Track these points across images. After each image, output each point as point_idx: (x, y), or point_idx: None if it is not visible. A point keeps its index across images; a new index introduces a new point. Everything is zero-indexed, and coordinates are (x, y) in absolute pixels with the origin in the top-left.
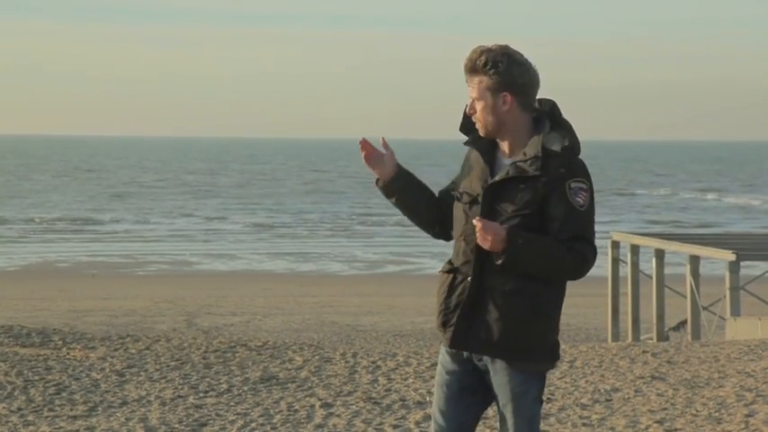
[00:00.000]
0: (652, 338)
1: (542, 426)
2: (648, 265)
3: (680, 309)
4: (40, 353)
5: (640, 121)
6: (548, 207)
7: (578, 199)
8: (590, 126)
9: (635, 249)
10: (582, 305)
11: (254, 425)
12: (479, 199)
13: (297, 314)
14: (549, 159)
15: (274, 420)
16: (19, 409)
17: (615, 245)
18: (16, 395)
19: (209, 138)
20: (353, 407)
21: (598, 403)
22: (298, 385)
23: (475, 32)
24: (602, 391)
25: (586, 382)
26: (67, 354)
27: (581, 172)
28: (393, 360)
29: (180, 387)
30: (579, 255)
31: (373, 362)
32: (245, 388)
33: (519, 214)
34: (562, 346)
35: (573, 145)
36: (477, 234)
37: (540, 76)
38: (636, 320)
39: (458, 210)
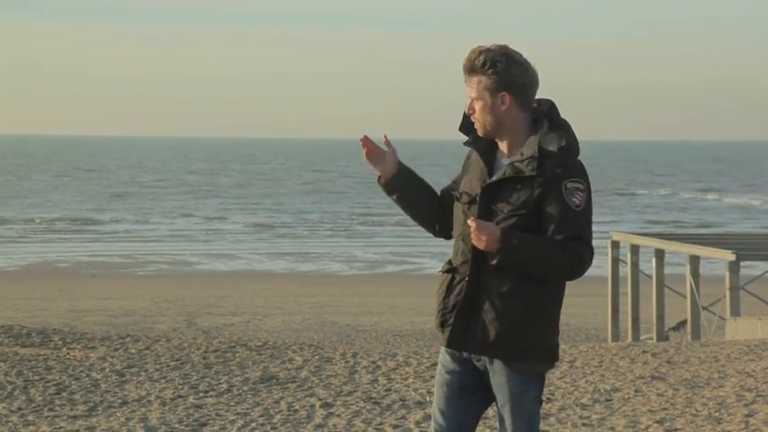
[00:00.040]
0: (652, 338)
1: (542, 426)
2: (648, 265)
3: (680, 309)
4: (40, 353)
5: (640, 121)
6: (544, 207)
7: (574, 199)
8: (590, 126)
9: (635, 249)
10: (582, 305)
11: (254, 425)
12: (478, 199)
13: (297, 314)
14: (545, 159)
15: (274, 420)
16: (19, 409)
17: (615, 245)
18: (16, 395)
19: (209, 138)
20: (353, 407)
21: (598, 403)
22: (298, 385)
23: (475, 32)
24: (602, 391)
25: (586, 382)
26: (67, 354)
27: (578, 172)
28: (393, 360)
29: (180, 387)
30: (575, 255)
31: (373, 362)
32: (246, 388)
33: (515, 214)
34: (562, 346)
35: (570, 145)
36: (472, 234)
37: (539, 76)
38: (636, 320)
39: (457, 210)
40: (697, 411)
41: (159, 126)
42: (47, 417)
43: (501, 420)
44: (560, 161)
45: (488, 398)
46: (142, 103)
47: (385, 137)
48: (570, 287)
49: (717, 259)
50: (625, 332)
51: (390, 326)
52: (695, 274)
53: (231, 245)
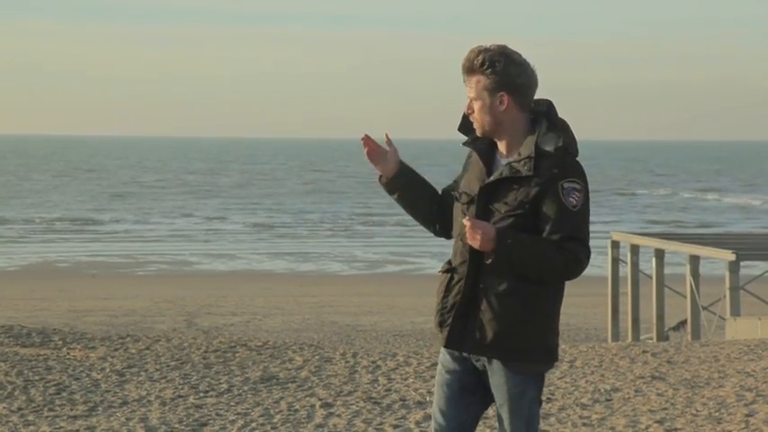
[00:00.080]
0: (652, 338)
1: (542, 425)
2: (648, 265)
3: (680, 309)
4: (40, 353)
5: (640, 121)
6: (541, 207)
7: (571, 199)
8: (590, 126)
9: (635, 249)
10: (582, 305)
11: (254, 425)
12: (476, 199)
13: (297, 314)
14: (542, 159)
15: (275, 420)
16: (19, 409)
17: (615, 245)
18: (16, 395)
19: (209, 138)
20: (354, 407)
21: (598, 403)
22: (298, 385)
23: (475, 32)
24: (603, 390)
25: (586, 381)
26: (68, 354)
27: (575, 172)
28: (393, 360)
29: (180, 387)
30: (571, 255)
31: (373, 362)
32: (246, 388)
33: (512, 214)
34: (562, 346)
35: (567, 145)
36: (467, 233)
37: (538, 77)
38: (636, 320)
39: (457, 209)
40: (697, 411)
41: (159, 126)
42: (47, 417)
43: (500, 421)
44: (557, 161)
45: (488, 398)
46: (142, 103)
47: (386, 136)
48: (570, 287)
49: (717, 259)
50: (625, 332)
51: (390, 326)
52: (695, 274)
53: (231, 245)
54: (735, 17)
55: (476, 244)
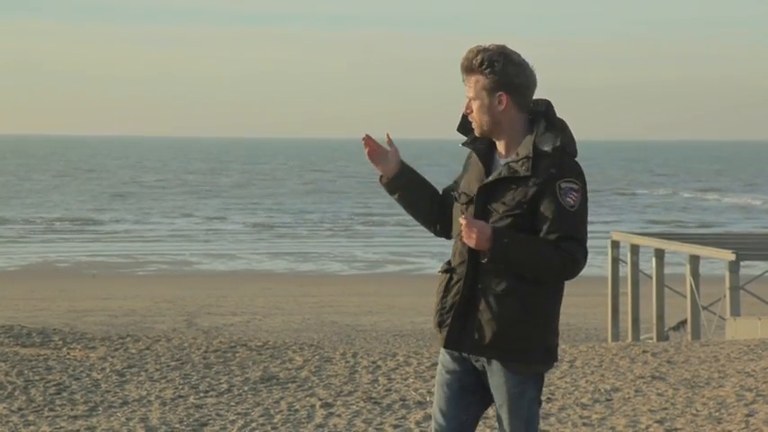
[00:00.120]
0: (652, 338)
1: (543, 425)
2: (648, 265)
3: (680, 309)
4: (40, 353)
5: (640, 120)
6: (538, 207)
7: (568, 199)
8: (590, 126)
9: (635, 249)
10: (582, 305)
11: (254, 425)
12: (475, 199)
13: (297, 314)
14: (539, 159)
15: (275, 420)
16: (19, 409)
17: (615, 245)
18: (17, 395)
19: (209, 138)
20: (354, 407)
21: (598, 403)
22: (298, 385)
23: (475, 32)
24: (603, 390)
25: (586, 381)
26: (68, 354)
27: (573, 172)
28: (393, 360)
29: (180, 387)
30: (568, 255)
31: (373, 362)
32: (246, 388)
33: (511, 214)
34: (562, 346)
35: (565, 145)
36: (463, 231)
37: (536, 77)
38: (636, 320)
39: (456, 210)
40: (697, 411)
41: (159, 126)
42: (47, 417)
43: (500, 421)
44: (555, 161)
45: (488, 398)
46: (142, 103)
47: (387, 136)
48: (570, 287)
49: (717, 259)
50: (625, 332)
51: (390, 326)
52: (695, 273)
53: (231, 245)
54: (735, 17)
55: (471, 242)
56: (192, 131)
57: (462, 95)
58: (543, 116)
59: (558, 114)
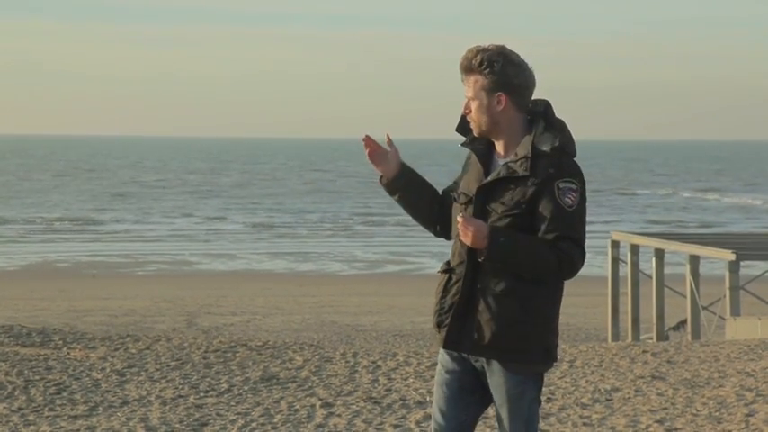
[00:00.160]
0: (652, 338)
1: (543, 425)
2: (648, 265)
3: (680, 308)
4: (40, 353)
5: (640, 121)
6: (537, 207)
7: (567, 199)
8: (590, 126)
9: (635, 249)
10: (582, 305)
11: (254, 424)
12: (473, 199)
13: (297, 314)
14: (538, 159)
15: (275, 420)
16: (20, 409)
17: (615, 244)
18: (17, 395)
19: (209, 138)
20: (354, 406)
21: (598, 403)
22: (298, 385)
23: (475, 32)
24: (603, 390)
25: (586, 381)
26: (68, 353)
27: (571, 172)
28: (393, 360)
29: (180, 387)
30: (565, 255)
31: (373, 361)
32: (246, 388)
33: (509, 214)
34: (562, 346)
35: (563, 145)
36: (459, 229)
37: (535, 77)
38: (636, 320)
39: (455, 210)
40: (697, 411)
41: (159, 126)
42: (47, 416)
43: (500, 421)
44: (553, 161)
45: (488, 398)
46: (142, 103)
47: (388, 137)
48: (570, 287)
49: (717, 259)
50: (625, 332)
51: (390, 326)
52: (695, 273)
53: (231, 245)
54: (735, 17)
55: (468, 241)
56: (192, 131)
57: (462, 95)
58: (542, 116)
59: (558, 114)
